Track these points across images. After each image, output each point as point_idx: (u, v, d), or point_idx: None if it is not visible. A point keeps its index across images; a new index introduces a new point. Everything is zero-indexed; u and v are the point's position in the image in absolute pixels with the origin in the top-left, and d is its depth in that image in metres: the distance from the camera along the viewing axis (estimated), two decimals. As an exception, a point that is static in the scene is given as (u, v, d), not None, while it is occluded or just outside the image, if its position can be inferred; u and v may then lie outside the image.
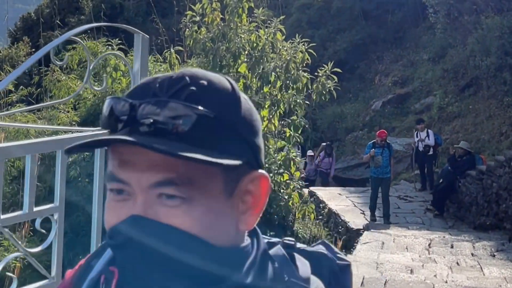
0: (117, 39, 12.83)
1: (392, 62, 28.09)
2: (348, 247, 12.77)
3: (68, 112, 11.87)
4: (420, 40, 27.64)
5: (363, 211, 16.31)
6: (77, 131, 2.04)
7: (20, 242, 1.90)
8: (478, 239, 12.75)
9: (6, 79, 1.83)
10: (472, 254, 11.36)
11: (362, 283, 8.43)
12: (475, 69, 21.49)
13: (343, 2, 31.71)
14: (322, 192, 18.41)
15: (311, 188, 18.40)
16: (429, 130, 17.89)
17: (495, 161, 14.50)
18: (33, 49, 20.96)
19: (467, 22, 22.95)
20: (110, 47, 12.56)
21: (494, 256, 11.33)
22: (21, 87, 13.47)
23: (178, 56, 12.23)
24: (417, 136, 17.95)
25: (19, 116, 11.76)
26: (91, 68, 1.93)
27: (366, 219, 15.59)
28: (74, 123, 11.84)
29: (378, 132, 15.68)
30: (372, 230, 13.62)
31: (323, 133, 26.35)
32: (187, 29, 12.15)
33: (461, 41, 23.24)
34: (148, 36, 2.12)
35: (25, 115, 11.80)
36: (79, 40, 2.01)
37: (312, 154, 21.07)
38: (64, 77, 12.29)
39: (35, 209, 1.91)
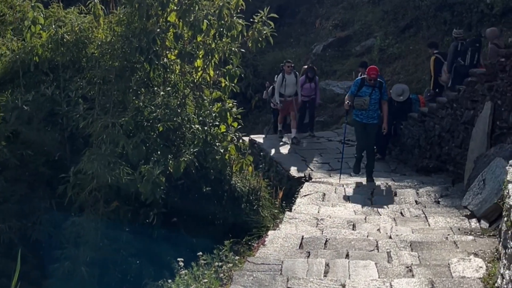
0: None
1: (333, 5, 27.44)
2: (290, 196, 12.39)
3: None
4: (360, -18, 27.01)
5: (305, 158, 15.94)
6: None
7: None
8: (422, 184, 12.45)
9: None
10: (416, 202, 11.02)
11: (301, 244, 7.91)
12: (415, 9, 21.06)
13: None
14: (262, 140, 17.93)
15: (252, 136, 17.90)
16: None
17: (437, 102, 14.16)
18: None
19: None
20: (29, -1, 11.60)
21: (438, 202, 11.01)
22: None
23: (103, 7, 11.39)
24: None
25: None
26: None
27: (307, 166, 15.20)
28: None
29: (368, 68, 13.22)
30: (313, 180, 13.16)
31: (264, 78, 25.71)
32: (109, -24, 11.31)
33: (400, -18, 22.76)
34: None
35: None
36: None
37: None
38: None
39: None
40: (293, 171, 14.76)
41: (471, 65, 14.19)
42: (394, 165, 15.46)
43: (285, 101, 17.34)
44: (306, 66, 18.88)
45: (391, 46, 21.62)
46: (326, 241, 8.02)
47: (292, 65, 17.77)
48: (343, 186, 12.34)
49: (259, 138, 18.22)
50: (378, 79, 12.81)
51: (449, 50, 15.14)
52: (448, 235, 8.46)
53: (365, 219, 9.64)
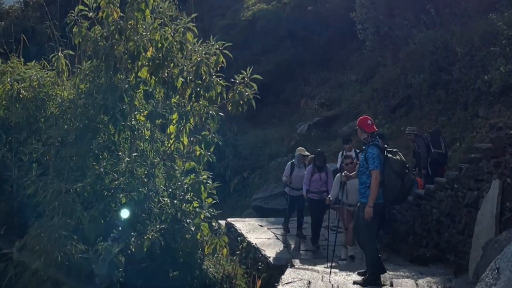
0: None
1: (319, 84, 26.70)
2: (269, 286, 10.96)
3: None
4: (347, 61, 26.36)
5: (286, 245, 14.59)
6: None
7: None
8: (420, 275, 10.99)
9: None
10: (417, 294, 9.54)
11: None
12: (406, 87, 20.06)
13: (267, 22, 30.20)
14: (241, 224, 16.68)
15: (229, 220, 16.61)
16: (357, 151, 16.16)
17: (436, 183, 12.82)
18: None
19: (398, 37, 21.56)
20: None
21: (442, 295, 9.54)
22: None
23: (67, 62, 10.14)
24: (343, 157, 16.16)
25: None
26: None
27: (289, 253, 13.80)
28: None
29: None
30: (296, 266, 11.68)
31: (245, 160, 24.58)
32: (75, 26, 10.02)
33: (391, 59, 21.90)
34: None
35: None
36: None
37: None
38: None
39: None
40: (273, 258, 13.40)
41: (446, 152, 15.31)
42: (386, 255, 13.90)
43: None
44: (318, 151, 15.31)
45: (381, 127, 20.51)
46: None
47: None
48: (331, 274, 10.83)
49: (237, 222, 16.93)
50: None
51: (419, 147, 15.55)
52: (462, 335, 6.97)
53: (360, 313, 8.14)
